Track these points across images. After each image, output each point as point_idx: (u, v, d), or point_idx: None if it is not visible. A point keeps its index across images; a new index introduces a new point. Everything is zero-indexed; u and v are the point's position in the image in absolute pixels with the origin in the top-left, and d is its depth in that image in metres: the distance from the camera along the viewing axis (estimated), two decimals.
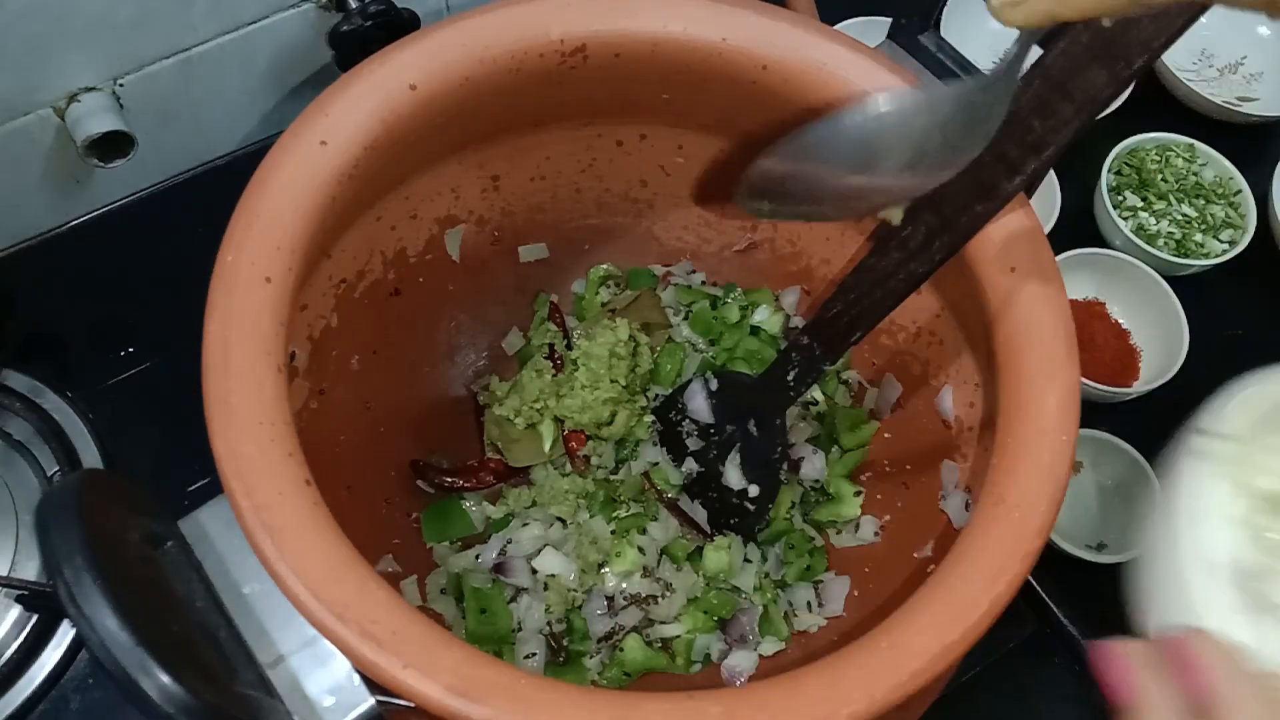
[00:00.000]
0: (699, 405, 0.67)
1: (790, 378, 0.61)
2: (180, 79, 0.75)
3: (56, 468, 0.71)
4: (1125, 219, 0.87)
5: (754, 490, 0.66)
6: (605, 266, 0.73)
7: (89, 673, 0.67)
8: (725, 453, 0.66)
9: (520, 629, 0.64)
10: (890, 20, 0.60)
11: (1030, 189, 0.52)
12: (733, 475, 0.66)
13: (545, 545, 0.66)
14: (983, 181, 0.49)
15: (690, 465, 0.68)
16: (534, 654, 0.63)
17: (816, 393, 0.71)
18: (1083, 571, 0.75)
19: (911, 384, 0.67)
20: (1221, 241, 0.87)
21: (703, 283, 0.74)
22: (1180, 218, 0.88)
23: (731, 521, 0.67)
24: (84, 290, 0.79)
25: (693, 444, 0.68)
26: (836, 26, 0.70)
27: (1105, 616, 0.74)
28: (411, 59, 0.52)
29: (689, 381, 0.68)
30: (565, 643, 0.64)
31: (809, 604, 0.66)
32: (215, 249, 0.47)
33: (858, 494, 0.68)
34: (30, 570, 0.68)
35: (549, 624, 0.64)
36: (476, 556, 0.66)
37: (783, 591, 0.67)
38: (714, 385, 0.67)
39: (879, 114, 0.43)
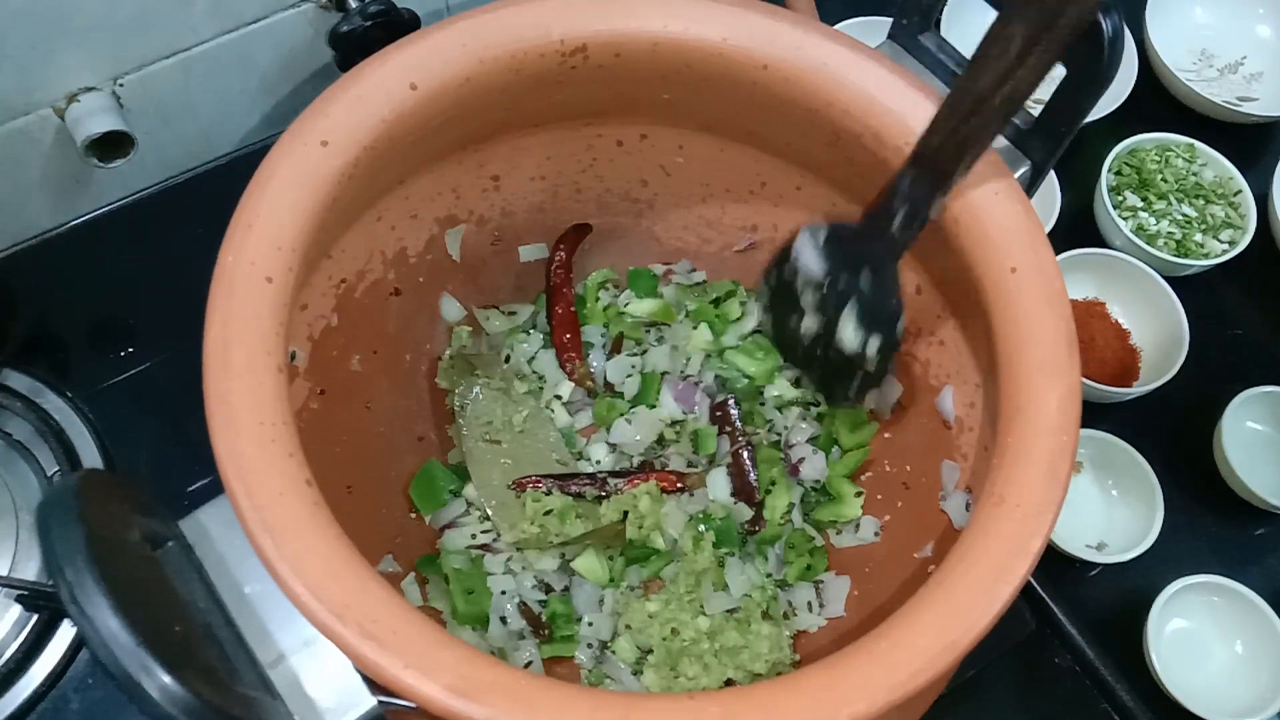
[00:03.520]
0: (809, 259, 0.61)
1: (896, 221, 0.55)
2: (180, 79, 0.75)
3: (56, 468, 0.71)
4: (1125, 219, 0.87)
5: (874, 344, 0.60)
6: (604, 271, 0.73)
7: (89, 673, 0.67)
8: (841, 306, 0.61)
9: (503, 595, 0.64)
10: (890, 20, 0.59)
11: None
12: (848, 329, 0.61)
13: None
14: None
15: (809, 324, 0.63)
16: (506, 620, 0.64)
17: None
18: (1083, 571, 0.75)
19: (911, 384, 0.67)
20: (1221, 241, 0.87)
21: (703, 282, 0.74)
22: (1180, 218, 0.88)
23: (848, 390, 0.63)
24: (84, 290, 0.79)
25: (807, 301, 0.63)
26: (836, 26, 0.70)
27: (1105, 616, 0.74)
28: (411, 59, 0.52)
29: (795, 235, 0.62)
30: (546, 623, 0.64)
31: (809, 604, 0.66)
32: (215, 249, 0.47)
33: (858, 494, 0.68)
34: (30, 570, 0.68)
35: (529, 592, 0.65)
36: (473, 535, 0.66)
37: (783, 591, 0.67)
38: (821, 236, 0.61)
39: None
